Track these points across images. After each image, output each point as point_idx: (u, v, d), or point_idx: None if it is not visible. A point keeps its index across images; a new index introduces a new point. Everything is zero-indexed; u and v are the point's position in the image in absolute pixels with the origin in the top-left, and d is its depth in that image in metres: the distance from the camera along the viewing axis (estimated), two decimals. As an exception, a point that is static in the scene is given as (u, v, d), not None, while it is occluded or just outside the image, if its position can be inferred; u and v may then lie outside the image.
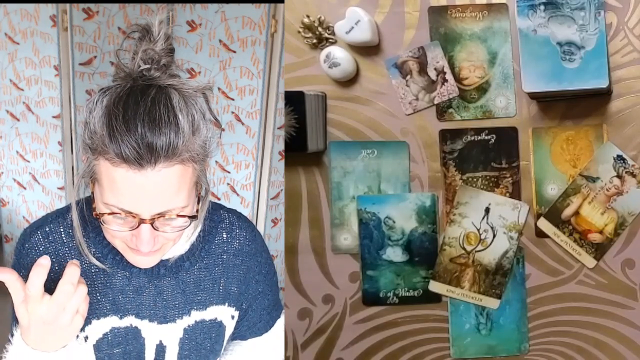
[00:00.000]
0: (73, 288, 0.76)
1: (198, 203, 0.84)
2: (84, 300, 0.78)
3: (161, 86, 0.76)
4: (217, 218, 0.97)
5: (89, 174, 0.78)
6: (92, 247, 0.88)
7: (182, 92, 0.77)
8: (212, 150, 0.81)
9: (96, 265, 0.88)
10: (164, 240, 0.81)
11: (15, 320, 0.91)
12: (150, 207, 0.75)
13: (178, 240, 0.86)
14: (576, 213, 1.16)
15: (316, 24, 1.17)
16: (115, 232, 0.79)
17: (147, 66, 0.77)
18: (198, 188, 0.84)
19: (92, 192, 0.79)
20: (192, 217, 0.80)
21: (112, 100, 0.74)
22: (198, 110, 0.77)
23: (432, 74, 1.17)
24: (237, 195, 2.51)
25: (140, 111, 0.72)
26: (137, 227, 0.76)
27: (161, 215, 0.76)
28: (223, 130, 0.80)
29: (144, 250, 0.78)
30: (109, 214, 0.76)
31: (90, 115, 0.75)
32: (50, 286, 0.89)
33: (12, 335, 0.82)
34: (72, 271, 0.76)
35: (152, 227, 0.76)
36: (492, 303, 1.18)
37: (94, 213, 0.78)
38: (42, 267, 0.75)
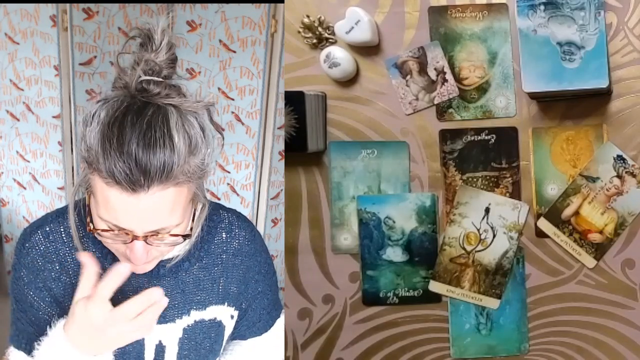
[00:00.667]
0: (135, 314, 0.76)
1: (193, 219, 0.83)
2: (138, 329, 0.78)
3: (160, 105, 0.74)
4: (216, 218, 0.96)
5: (85, 184, 0.78)
6: (91, 247, 0.88)
7: (180, 110, 0.75)
8: (211, 167, 0.80)
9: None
10: (157, 252, 0.81)
11: (17, 320, 0.91)
12: (143, 226, 0.75)
13: (172, 250, 0.86)
14: (576, 213, 1.16)
15: (316, 24, 1.17)
16: (110, 244, 0.79)
17: (147, 77, 0.75)
18: (194, 203, 0.83)
19: (89, 204, 0.79)
20: (186, 236, 0.79)
21: (108, 118, 0.72)
22: (197, 128, 0.75)
23: (432, 74, 1.17)
24: (237, 195, 2.51)
25: (135, 133, 0.70)
26: (131, 242, 0.76)
27: (155, 233, 0.76)
28: (223, 135, 0.79)
29: (138, 264, 0.79)
30: (104, 230, 0.76)
31: (86, 128, 0.73)
32: (50, 285, 0.89)
33: (50, 326, 0.82)
34: (147, 299, 0.77)
35: (146, 242, 0.77)
36: (492, 303, 1.18)
37: (87, 228, 0.78)
38: (120, 274, 0.76)
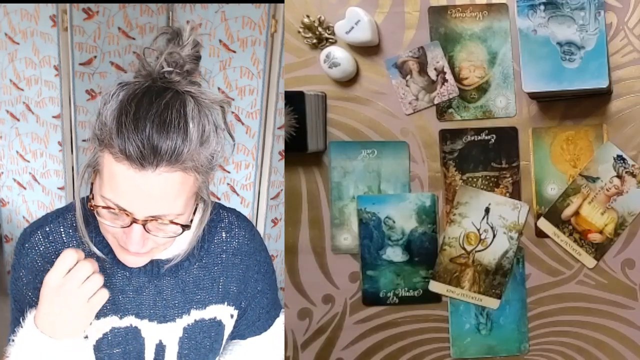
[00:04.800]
0: (90, 267, 0.78)
1: (194, 213, 0.83)
2: (99, 291, 0.80)
3: (178, 91, 0.76)
4: (216, 217, 0.97)
5: (93, 164, 0.78)
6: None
7: (198, 101, 0.77)
8: (218, 163, 0.81)
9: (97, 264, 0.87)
10: (153, 244, 0.80)
11: (16, 320, 0.91)
12: (145, 208, 0.75)
13: (169, 246, 0.86)
14: (576, 213, 1.16)
15: (316, 24, 1.17)
16: (108, 226, 0.79)
17: (170, 69, 0.77)
18: (197, 198, 0.83)
19: (92, 183, 0.79)
20: (185, 227, 0.80)
21: (127, 96, 0.74)
22: (211, 121, 0.77)
23: (432, 74, 1.17)
24: (237, 195, 2.51)
25: (152, 112, 0.72)
26: (129, 225, 0.76)
27: (155, 218, 0.76)
28: (234, 137, 0.81)
29: (132, 250, 0.78)
30: (104, 207, 0.76)
31: (104, 106, 0.75)
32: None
33: (24, 318, 0.82)
34: (90, 263, 0.79)
35: (144, 228, 0.76)
36: (492, 303, 1.18)
37: (89, 204, 0.78)
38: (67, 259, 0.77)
